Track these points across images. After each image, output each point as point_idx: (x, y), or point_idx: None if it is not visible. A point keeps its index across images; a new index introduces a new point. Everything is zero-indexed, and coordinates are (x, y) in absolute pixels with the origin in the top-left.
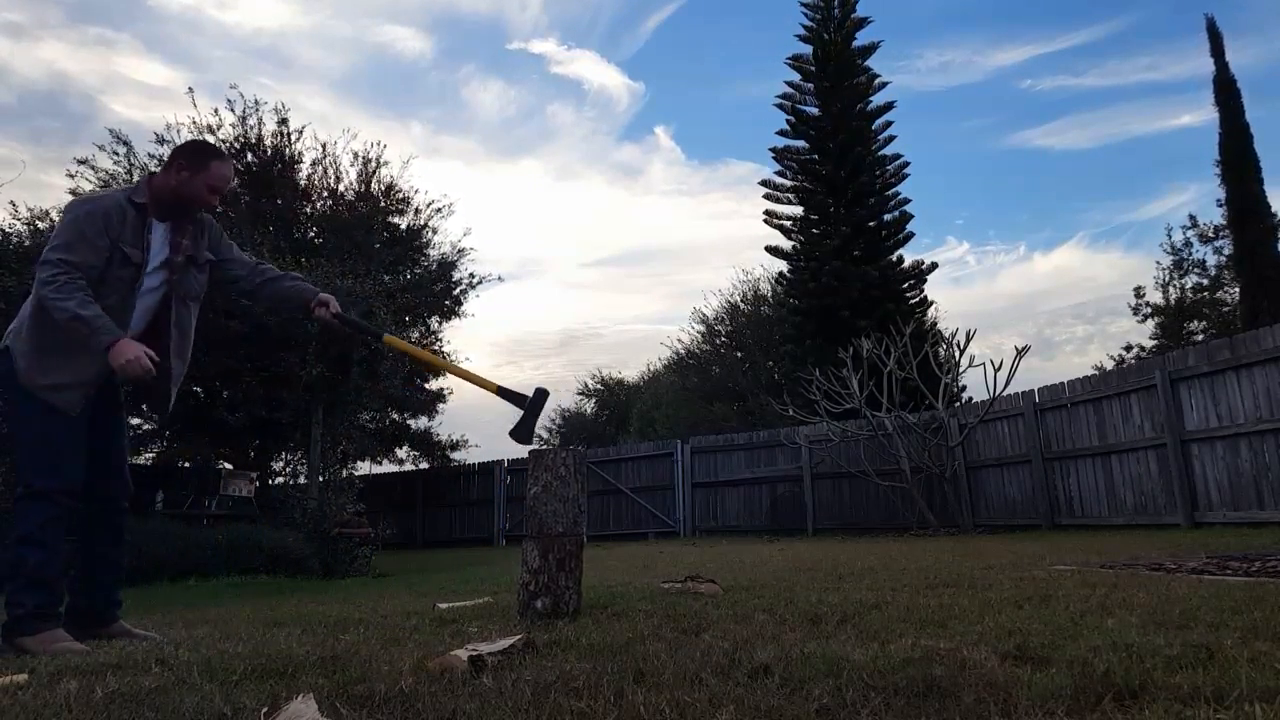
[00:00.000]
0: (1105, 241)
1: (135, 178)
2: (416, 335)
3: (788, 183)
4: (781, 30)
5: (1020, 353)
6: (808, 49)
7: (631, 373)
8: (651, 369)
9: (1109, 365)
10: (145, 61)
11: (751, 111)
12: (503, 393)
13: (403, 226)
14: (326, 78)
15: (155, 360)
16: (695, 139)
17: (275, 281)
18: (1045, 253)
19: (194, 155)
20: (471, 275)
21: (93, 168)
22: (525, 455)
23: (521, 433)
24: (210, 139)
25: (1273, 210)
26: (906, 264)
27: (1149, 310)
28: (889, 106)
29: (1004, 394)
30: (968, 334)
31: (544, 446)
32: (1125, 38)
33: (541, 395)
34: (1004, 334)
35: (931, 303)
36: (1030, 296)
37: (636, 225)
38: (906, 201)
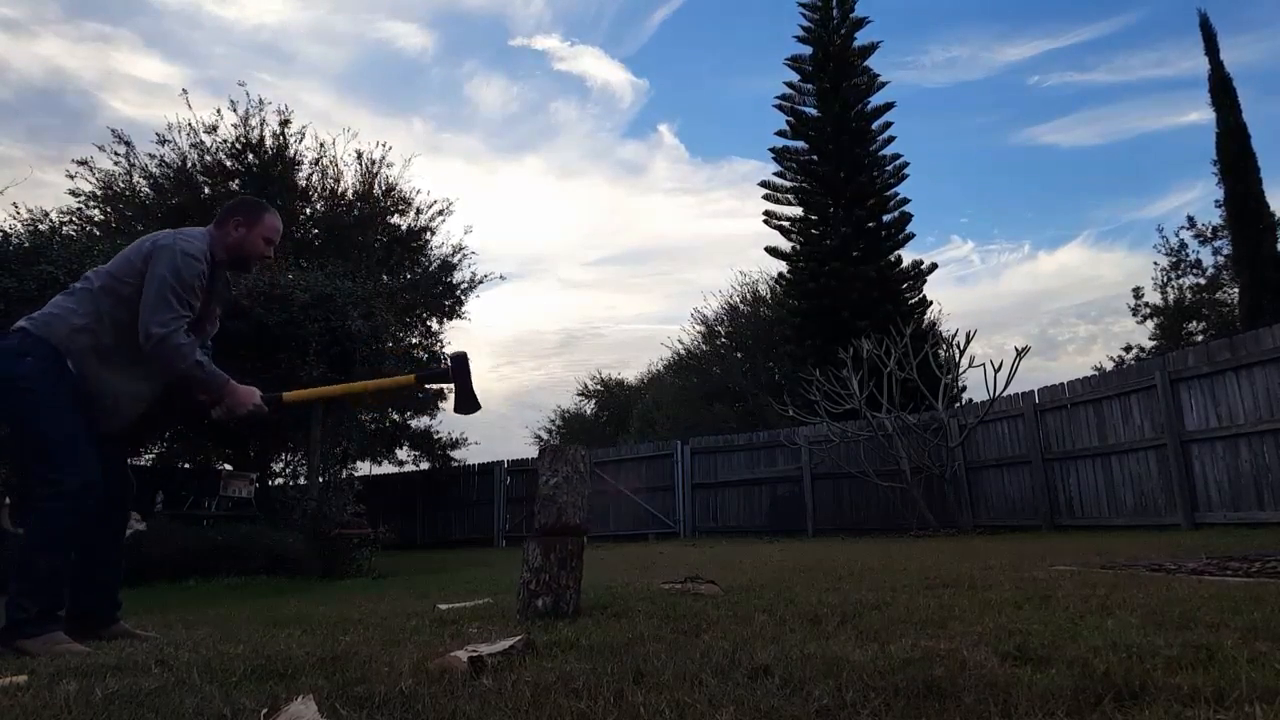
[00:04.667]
0: (1111, 240)
1: (135, 178)
2: (417, 336)
3: (787, 183)
4: (787, 25)
5: (1020, 353)
6: (807, 50)
7: (633, 373)
8: (652, 369)
9: (1109, 366)
10: (144, 58)
11: (756, 108)
12: (421, 378)
13: (403, 227)
14: (327, 74)
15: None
16: (699, 136)
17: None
18: (1050, 251)
19: (248, 211)
20: (472, 275)
21: (92, 169)
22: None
23: (463, 402)
24: (210, 139)
25: (1272, 210)
26: (906, 264)
27: (1148, 311)
28: (888, 107)
29: (1004, 394)
30: (968, 335)
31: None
32: (1134, 33)
33: (460, 359)
34: (1007, 334)
35: (931, 303)
36: (1034, 296)
37: (639, 224)
38: (906, 202)
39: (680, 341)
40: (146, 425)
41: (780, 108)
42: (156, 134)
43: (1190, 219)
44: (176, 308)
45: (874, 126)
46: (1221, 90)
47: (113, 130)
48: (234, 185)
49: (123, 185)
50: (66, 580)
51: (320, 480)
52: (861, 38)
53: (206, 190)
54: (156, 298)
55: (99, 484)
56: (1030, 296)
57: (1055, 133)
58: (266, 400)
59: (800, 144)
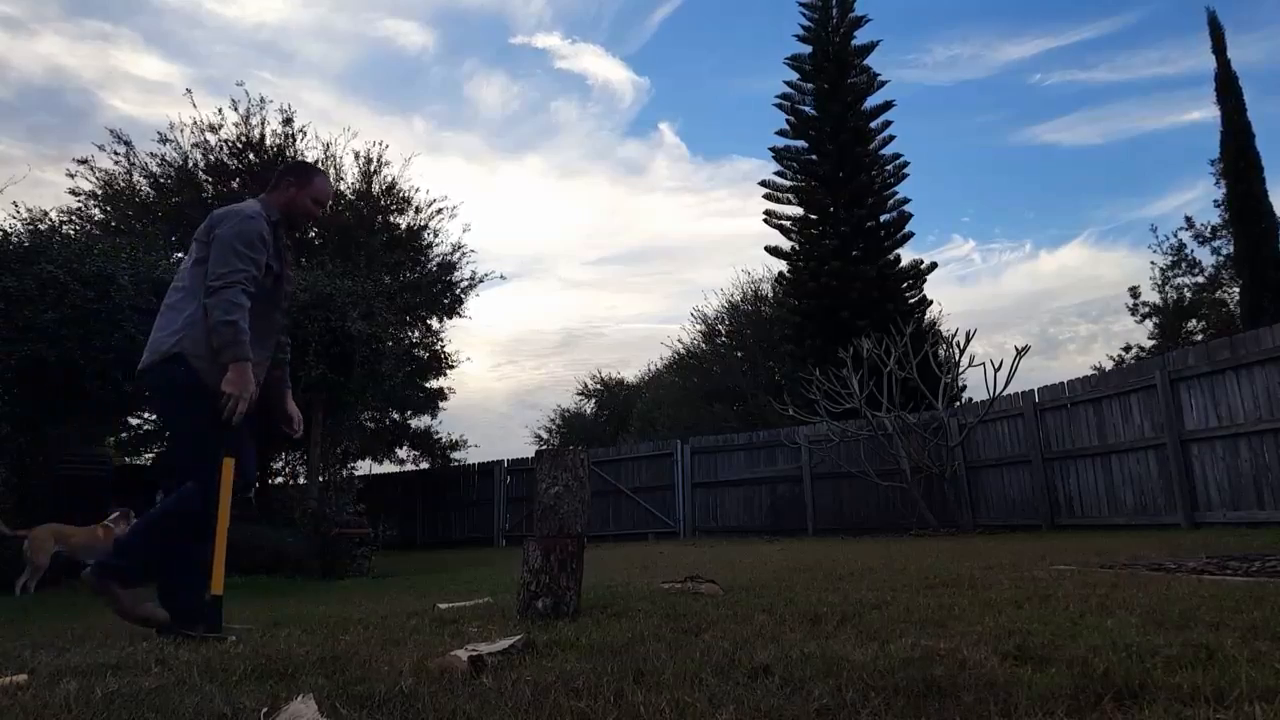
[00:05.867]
0: (1112, 239)
1: (135, 177)
2: (417, 335)
3: (787, 183)
4: (788, 24)
5: (1020, 353)
6: (806, 49)
7: (633, 372)
8: (652, 369)
9: (1109, 366)
10: (144, 56)
11: (757, 107)
12: None
13: (403, 226)
14: (328, 73)
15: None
16: (700, 135)
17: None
18: (1051, 250)
19: (300, 173)
20: (473, 274)
21: (92, 168)
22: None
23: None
24: (212, 138)
25: (1273, 209)
26: (906, 263)
27: (1146, 310)
28: (888, 105)
29: (1004, 394)
30: (967, 334)
31: (546, 447)
32: (1136, 31)
33: None
34: (1008, 333)
35: (930, 302)
36: (1035, 295)
37: (640, 223)
38: (906, 201)
39: (680, 341)
40: (262, 421)
41: (780, 107)
42: (158, 133)
43: (1189, 219)
44: (236, 262)
45: (873, 126)
46: (1227, 88)
47: (112, 130)
48: (234, 185)
49: (123, 184)
50: (194, 556)
51: (320, 480)
52: (861, 37)
53: (209, 189)
54: (219, 255)
55: (251, 480)
56: (1031, 296)
57: (1057, 132)
58: (252, 404)
59: (800, 143)
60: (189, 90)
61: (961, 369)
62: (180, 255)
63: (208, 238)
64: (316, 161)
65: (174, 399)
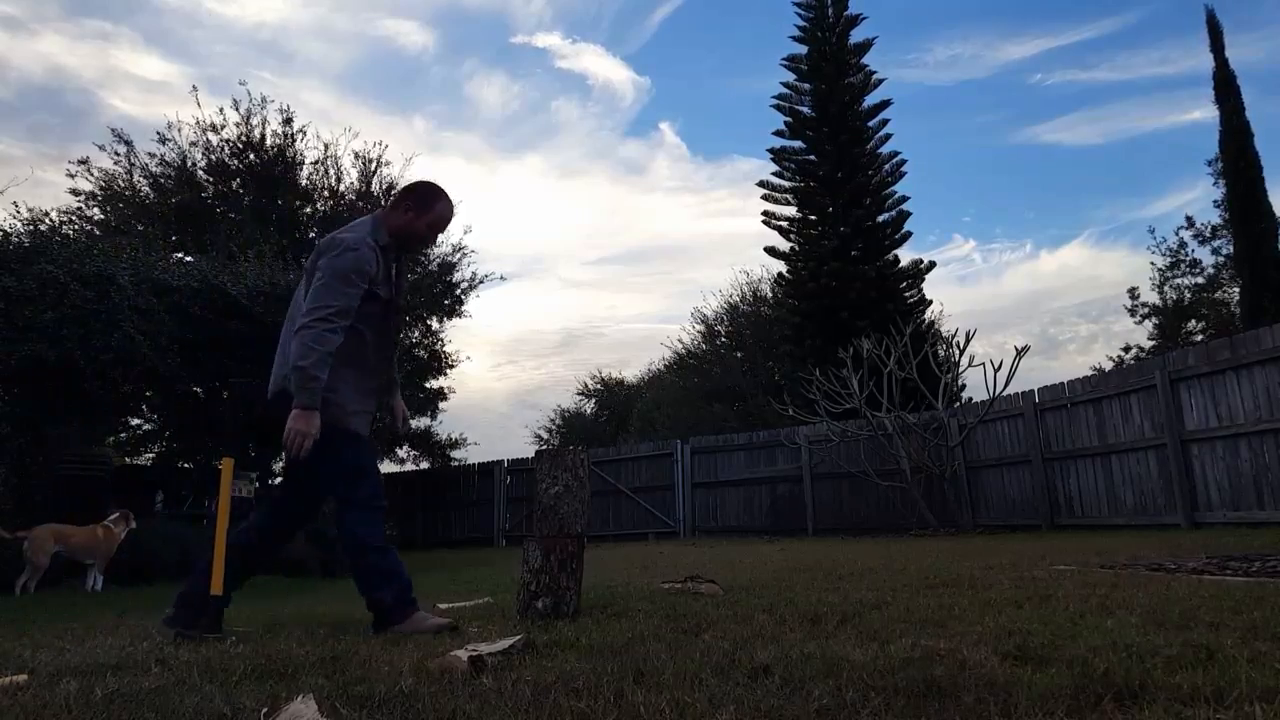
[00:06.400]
0: (1113, 239)
1: (135, 177)
2: (416, 335)
3: (786, 183)
4: (788, 24)
5: (1020, 353)
6: (802, 49)
7: (633, 372)
8: (652, 369)
9: (1109, 366)
10: (143, 55)
11: (758, 106)
12: None
13: None
14: (328, 72)
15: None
16: (701, 135)
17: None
18: (1052, 250)
19: (421, 198)
20: (473, 274)
21: (92, 169)
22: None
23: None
24: (213, 138)
25: (1273, 209)
26: (905, 263)
27: (1146, 310)
28: (885, 105)
29: (1004, 394)
30: (967, 334)
31: (546, 447)
32: (1137, 31)
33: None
34: (1009, 333)
35: (930, 302)
36: (1035, 295)
37: (640, 223)
38: (904, 200)
39: (680, 341)
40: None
41: (777, 108)
42: (158, 133)
43: (1189, 219)
44: (329, 299)
45: (871, 125)
46: (1225, 88)
47: (114, 130)
48: (235, 185)
49: (123, 184)
50: (400, 566)
51: None
52: (857, 35)
53: (209, 189)
54: (315, 290)
55: (382, 492)
56: (1031, 295)
57: (1057, 131)
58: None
59: (798, 144)
60: (195, 88)
61: (961, 369)
62: (180, 255)
63: (313, 267)
64: (316, 162)
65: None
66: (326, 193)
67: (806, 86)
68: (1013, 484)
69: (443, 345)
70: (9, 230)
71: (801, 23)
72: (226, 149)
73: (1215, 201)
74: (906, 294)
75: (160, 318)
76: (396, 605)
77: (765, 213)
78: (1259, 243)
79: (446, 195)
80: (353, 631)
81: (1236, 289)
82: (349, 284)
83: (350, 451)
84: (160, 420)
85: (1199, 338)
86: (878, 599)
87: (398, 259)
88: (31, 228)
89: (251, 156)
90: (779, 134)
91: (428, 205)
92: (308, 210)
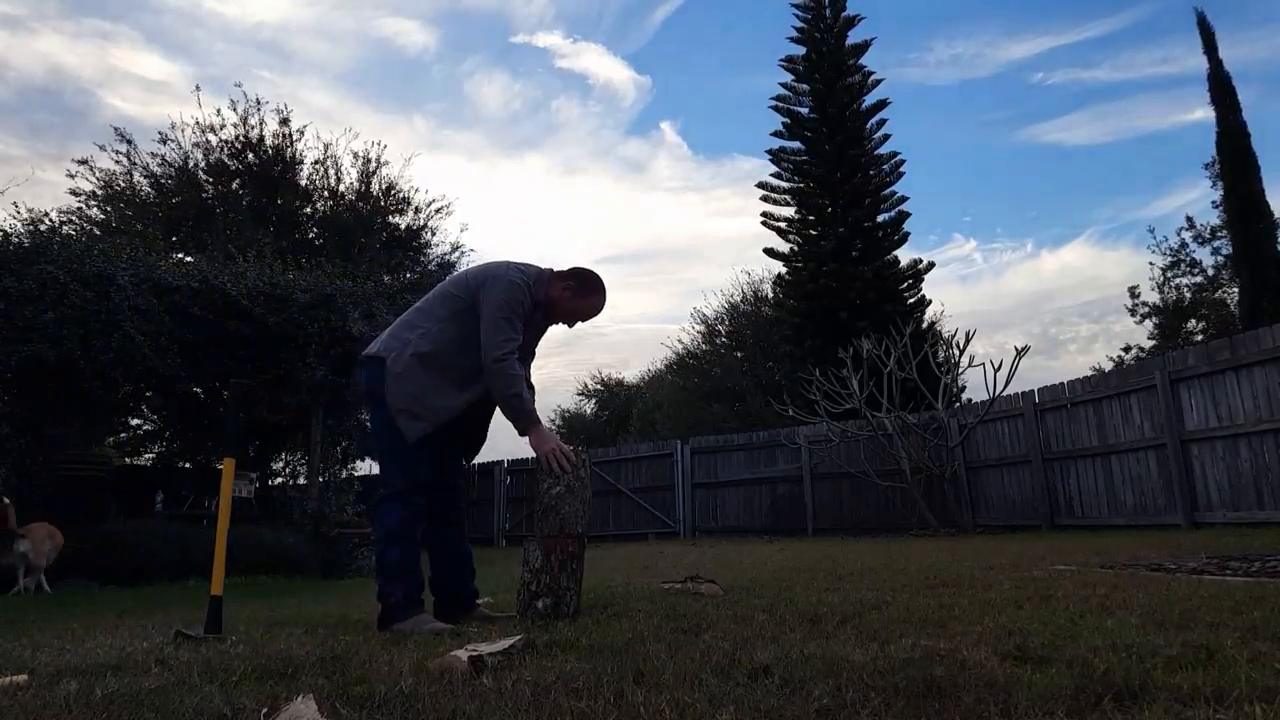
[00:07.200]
0: (1114, 239)
1: (135, 177)
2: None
3: (784, 184)
4: (789, 23)
5: (1020, 353)
6: (800, 50)
7: (633, 372)
8: (652, 369)
9: (1109, 366)
10: (143, 54)
11: (759, 106)
12: None
13: (402, 226)
14: (329, 71)
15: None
16: (702, 134)
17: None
18: (1053, 250)
19: (583, 285)
20: None
21: (92, 168)
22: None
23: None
24: (212, 138)
25: (1272, 209)
26: (904, 263)
27: (1146, 310)
28: (883, 104)
29: (1004, 394)
30: (967, 334)
31: None
32: (1138, 30)
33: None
34: (1009, 333)
35: (929, 302)
36: (1036, 295)
37: (642, 222)
38: (903, 200)
39: (681, 341)
40: (470, 438)
41: (776, 108)
42: (159, 133)
43: (1189, 219)
44: (508, 331)
45: (869, 125)
46: (1221, 90)
47: (116, 129)
48: (234, 185)
49: (123, 184)
50: (418, 568)
51: (320, 480)
52: (855, 36)
53: (209, 189)
54: (491, 322)
55: (423, 485)
56: (1032, 295)
57: (1059, 131)
58: (565, 452)
59: (796, 144)
60: (198, 88)
61: (961, 369)
62: (180, 255)
63: (466, 291)
64: (316, 162)
65: (367, 399)
66: (326, 193)
67: (805, 87)
68: (1013, 484)
69: None
70: (9, 230)
71: (799, 24)
72: (225, 149)
73: (1214, 202)
74: (906, 294)
75: (160, 318)
76: (402, 604)
77: (764, 214)
78: (1258, 243)
79: (604, 296)
80: (353, 631)
81: (1236, 289)
82: (517, 316)
83: (391, 441)
84: (160, 420)
85: (1199, 338)
86: (878, 599)
87: (537, 321)
88: (31, 228)
89: (250, 157)
90: (777, 135)
91: (585, 294)
92: (307, 210)
